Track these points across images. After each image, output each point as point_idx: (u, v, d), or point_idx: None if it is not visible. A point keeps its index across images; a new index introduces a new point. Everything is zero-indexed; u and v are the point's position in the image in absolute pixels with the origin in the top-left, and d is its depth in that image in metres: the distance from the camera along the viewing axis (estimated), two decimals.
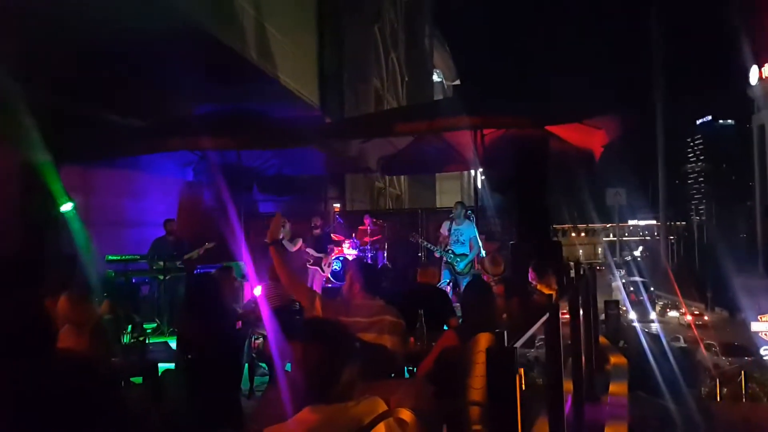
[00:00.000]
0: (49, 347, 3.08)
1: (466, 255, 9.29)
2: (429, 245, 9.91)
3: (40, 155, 7.12)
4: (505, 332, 1.99)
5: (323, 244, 10.69)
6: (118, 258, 9.00)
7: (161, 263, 8.96)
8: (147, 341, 5.23)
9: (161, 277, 9.00)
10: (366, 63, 18.09)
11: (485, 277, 6.98)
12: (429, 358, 3.80)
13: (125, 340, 4.74)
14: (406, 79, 25.55)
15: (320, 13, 14.77)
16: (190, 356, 4.38)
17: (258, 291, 6.36)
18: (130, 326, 4.97)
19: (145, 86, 8.84)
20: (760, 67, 38.54)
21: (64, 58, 7.44)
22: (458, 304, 5.17)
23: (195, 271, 9.44)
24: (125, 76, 8.58)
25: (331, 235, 11.34)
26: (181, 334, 5.54)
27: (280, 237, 10.08)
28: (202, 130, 7.66)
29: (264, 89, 11.13)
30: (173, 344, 5.53)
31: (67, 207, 7.76)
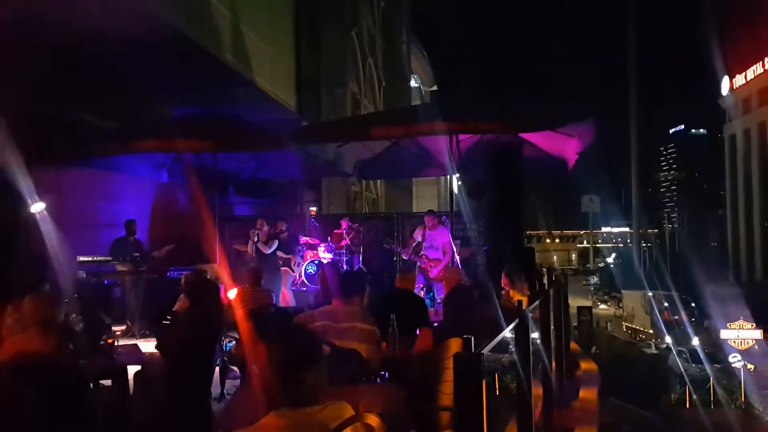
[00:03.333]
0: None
1: (440, 260, 9.34)
2: (401, 250, 9.99)
3: (9, 155, 6.99)
4: (473, 338, 2.01)
5: (291, 246, 10.76)
6: (90, 259, 8.87)
7: (124, 265, 8.84)
8: (116, 343, 5.15)
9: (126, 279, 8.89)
10: (343, 67, 18.11)
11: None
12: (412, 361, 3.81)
13: (93, 342, 4.68)
14: (384, 84, 25.60)
15: (297, 16, 14.77)
16: (166, 358, 4.34)
17: (232, 294, 6.32)
18: (99, 328, 4.91)
19: (119, 87, 8.75)
20: (731, 78, 39.36)
21: (36, 57, 7.33)
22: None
23: (168, 274, 9.35)
24: (100, 77, 8.48)
25: (305, 238, 11.34)
26: (160, 336, 5.49)
27: (255, 240, 10.06)
28: (178, 132, 7.62)
29: (240, 92, 11.09)
30: (143, 347, 5.47)
31: (37, 207, 7.63)
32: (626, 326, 23.47)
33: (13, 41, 6.92)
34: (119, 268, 8.82)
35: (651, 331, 20.94)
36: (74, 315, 4.80)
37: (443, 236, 9.46)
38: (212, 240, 8.37)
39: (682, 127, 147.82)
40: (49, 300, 3.77)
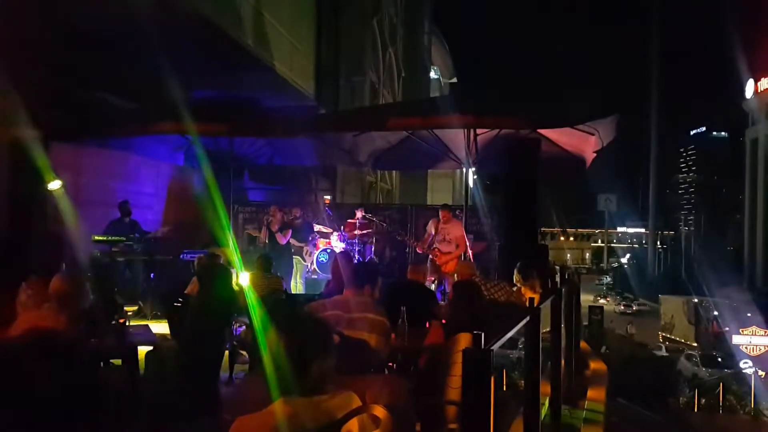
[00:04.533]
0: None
1: (452, 254, 9.32)
2: (414, 243, 9.97)
3: (28, 132, 7.06)
4: (483, 334, 1.99)
5: (304, 234, 10.74)
6: (105, 238, 8.95)
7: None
8: (128, 324, 5.20)
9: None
10: (363, 56, 18.04)
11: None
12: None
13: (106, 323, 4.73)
14: (403, 74, 25.50)
15: (319, 4, 14.72)
16: (176, 340, 4.38)
17: (244, 279, 6.34)
18: (111, 308, 4.95)
19: (140, 68, 8.78)
20: (756, 81, 38.77)
21: (57, 37, 7.39)
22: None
23: (181, 256, 9.42)
24: (120, 57, 8.52)
25: (318, 226, 11.34)
26: (171, 318, 5.54)
27: (267, 225, 10.09)
28: (196, 116, 7.63)
29: (260, 77, 11.10)
30: (155, 328, 5.52)
31: (54, 185, 7.70)
32: (663, 336, 21.40)
33: (35, 21, 6.98)
34: (113, 249, 8.89)
35: (696, 344, 18.07)
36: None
37: (456, 230, 9.43)
38: (226, 224, 8.40)
39: (703, 129, 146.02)
40: (76, 280, 3.80)
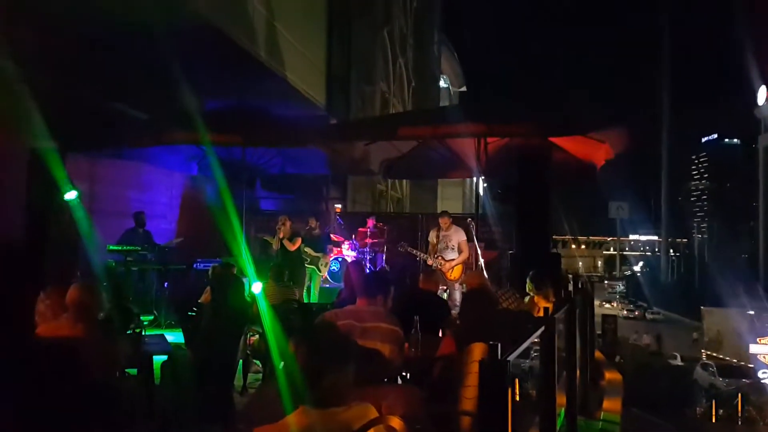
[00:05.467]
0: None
1: (455, 260, 9.36)
2: (417, 254, 9.96)
3: (45, 143, 7.14)
4: (499, 344, 2.00)
5: (322, 244, 10.70)
6: (119, 248, 9.02)
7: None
8: (143, 333, 5.24)
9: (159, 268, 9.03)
10: (374, 66, 18.11)
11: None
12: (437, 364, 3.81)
13: (122, 332, 4.76)
14: (413, 83, 25.56)
15: (330, 14, 14.80)
16: (191, 350, 4.40)
17: (257, 288, 6.36)
18: (127, 317, 4.99)
19: (154, 79, 8.87)
20: None
21: (73, 47, 7.47)
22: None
23: (195, 265, 9.47)
24: (135, 68, 8.61)
25: (331, 235, 11.35)
26: (185, 327, 5.57)
27: (281, 236, 10.12)
28: (209, 126, 7.69)
29: (271, 87, 11.15)
30: (169, 337, 5.55)
31: (71, 195, 7.78)
32: (707, 354, 19.37)
33: (51, 32, 7.08)
34: (128, 258, 8.96)
35: (751, 366, 15.21)
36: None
37: (458, 236, 9.47)
38: (239, 234, 8.44)
39: (716, 136, 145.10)
40: (93, 289, 3.84)
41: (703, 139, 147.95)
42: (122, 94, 9.59)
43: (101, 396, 3.41)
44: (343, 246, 11.31)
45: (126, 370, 4.37)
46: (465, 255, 9.33)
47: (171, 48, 7.47)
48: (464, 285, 8.02)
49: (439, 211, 28.68)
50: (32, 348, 3.26)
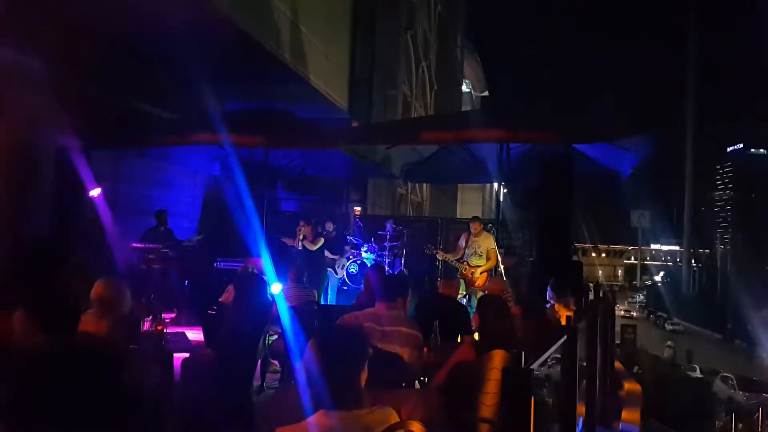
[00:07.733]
0: (73, 327, 3.15)
1: (481, 266, 9.29)
2: (445, 256, 9.90)
3: (72, 142, 7.25)
4: (523, 353, 1.98)
5: (339, 246, 10.75)
6: (143, 246, 9.12)
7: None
8: (164, 330, 5.28)
9: None
10: (396, 69, 18.13)
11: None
12: (444, 369, 3.80)
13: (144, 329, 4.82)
14: (435, 87, 25.54)
15: (354, 18, 14.87)
16: (211, 348, 4.44)
17: (276, 289, 6.40)
18: (149, 315, 5.04)
19: (179, 80, 8.98)
20: None
21: (99, 48, 7.59)
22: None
23: (215, 264, 9.54)
24: (160, 69, 8.72)
25: (349, 237, 11.39)
26: (206, 326, 5.62)
27: (301, 237, 10.16)
28: (233, 127, 7.75)
29: (294, 89, 11.24)
30: (190, 335, 5.60)
31: (95, 193, 7.89)
32: None
33: (78, 33, 7.19)
34: (150, 256, 9.05)
35: None
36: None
37: (488, 242, 9.39)
38: (260, 234, 8.49)
39: (741, 145, 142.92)
40: (118, 286, 3.89)
41: (729, 149, 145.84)
42: (147, 94, 9.71)
43: (122, 391, 3.44)
44: (362, 249, 11.33)
45: (147, 366, 4.41)
46: (492, 263, 9.20)
47: (196, 50, 7.57)
48: (486, 291, 7.97)
49: (458, 215, 28.65)
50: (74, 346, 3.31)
